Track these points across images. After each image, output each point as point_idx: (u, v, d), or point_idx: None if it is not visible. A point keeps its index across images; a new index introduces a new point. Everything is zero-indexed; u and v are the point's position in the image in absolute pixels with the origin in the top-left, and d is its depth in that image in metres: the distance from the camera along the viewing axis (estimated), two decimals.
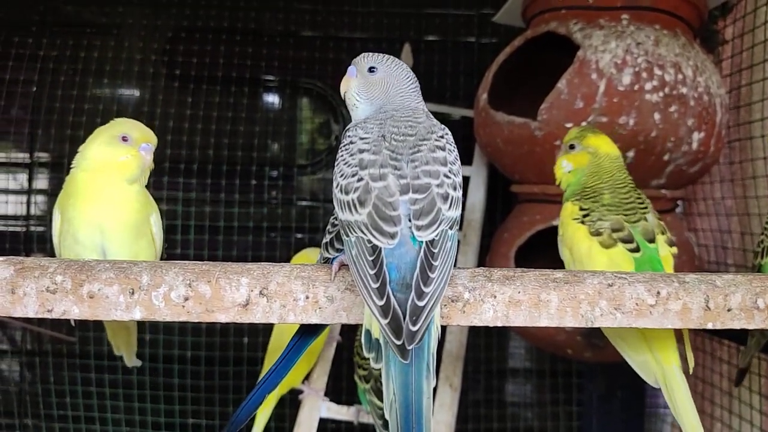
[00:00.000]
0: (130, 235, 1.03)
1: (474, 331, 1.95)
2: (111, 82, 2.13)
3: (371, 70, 0.89)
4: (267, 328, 1.73)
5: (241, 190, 2.11)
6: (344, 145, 0.84)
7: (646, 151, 1.42)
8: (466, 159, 1.54)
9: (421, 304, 0.72)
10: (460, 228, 1.80)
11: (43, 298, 0.79)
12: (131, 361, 1.27)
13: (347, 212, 0.78)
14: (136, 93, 2.16)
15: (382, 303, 0.72)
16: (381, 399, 1.43)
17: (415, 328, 0.70)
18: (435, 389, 1.60)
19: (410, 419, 0.71)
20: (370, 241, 0.75)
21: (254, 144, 2.12)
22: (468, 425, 2.08)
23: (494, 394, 2.14)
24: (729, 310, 0.82)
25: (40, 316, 0.79)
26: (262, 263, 0.83)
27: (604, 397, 2.00)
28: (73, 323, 0.92)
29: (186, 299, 0.79)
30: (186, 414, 2.03)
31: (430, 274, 0.73)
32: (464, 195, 1.62)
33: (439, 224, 0.76)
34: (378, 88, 0.89)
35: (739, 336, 1.44)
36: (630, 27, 1.47)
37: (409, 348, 0.70)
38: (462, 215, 1.77)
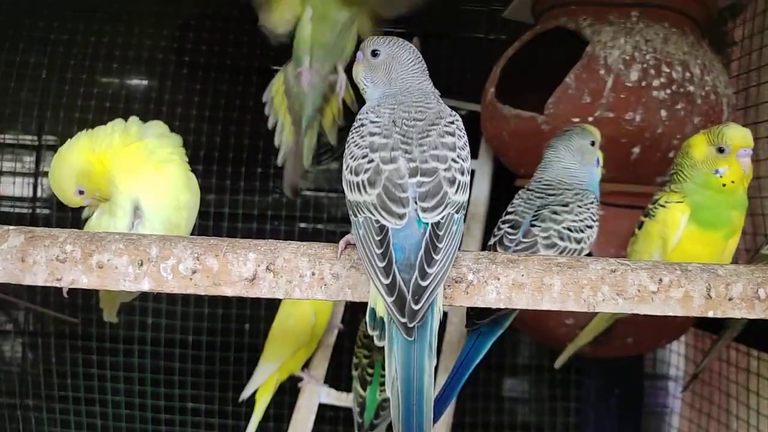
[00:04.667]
0: None
1: None
2: (120, 68, 2.14)
3: (374, 53, 0.91)
4: (268, 316, 1.73)
5: (247, 178, 2.12)
6: (355, 128, 0.85)
7: (651, 148, 1.43)
8: (472, 152, 1.55)
9: (424, 284, 0.73)
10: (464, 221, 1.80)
11: (52, 266, 0.80)
12: (110, 317, 1.27)
13: (356, 193, 0.79)
14: (145, 79, 2.17)
15: (387, 281, 0.73)
16: (363, 388, 1.48)
17: (417, 307, 0.72)
18: (434, 378, 1.60)
19: (411, 396, 0.72)
20: (378, 221, 0.76)
21: (261, 132, 2.12)
22: (465, 418, 2.08)
23: (492, 388, 2.14)
24: (730, 300, 0.82)
25: (49, 284, 0.80)
26: (270, 240, 0.84)
27: (601, 394, 2.00)
28: (65, 294, 0.92)
29: (194, 272, 0.80)
30: (186, 398, 2.05)
31: (434, 256, 0.74)
32: (470, 186, 1.63)
33: (445, 207, 0.77)
34: (381, 70, 0.90)
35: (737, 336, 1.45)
36: (639, 24, 1.47)
37: (411, 326, 0.72)
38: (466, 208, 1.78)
